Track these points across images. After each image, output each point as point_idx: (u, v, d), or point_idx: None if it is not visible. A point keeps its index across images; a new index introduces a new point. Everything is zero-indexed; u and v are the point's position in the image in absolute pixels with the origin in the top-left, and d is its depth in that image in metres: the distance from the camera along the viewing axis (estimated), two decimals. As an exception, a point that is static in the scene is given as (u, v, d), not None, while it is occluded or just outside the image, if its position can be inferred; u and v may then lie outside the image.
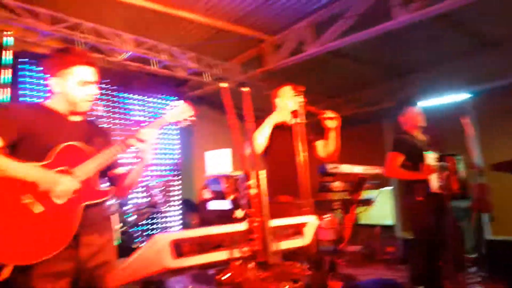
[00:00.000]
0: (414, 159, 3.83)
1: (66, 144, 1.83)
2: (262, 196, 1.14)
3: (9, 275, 1.60)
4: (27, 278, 1.66)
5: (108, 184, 2.09)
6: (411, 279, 3.93)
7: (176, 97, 7.04)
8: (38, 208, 1.67)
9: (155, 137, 1.98)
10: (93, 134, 1.99)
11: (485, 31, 5.99)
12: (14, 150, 1.78)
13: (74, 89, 1.90)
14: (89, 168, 1.82)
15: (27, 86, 5.05)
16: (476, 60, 6.72)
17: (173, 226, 6.40)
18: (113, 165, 2.06)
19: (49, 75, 1.93)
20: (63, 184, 1.71)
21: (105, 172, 2.05)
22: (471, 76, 6.97)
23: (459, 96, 7.31)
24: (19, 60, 5.02)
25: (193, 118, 2.11)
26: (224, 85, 1.32)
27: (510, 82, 6.53)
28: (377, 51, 6.41)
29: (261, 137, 2.97)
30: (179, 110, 2.07)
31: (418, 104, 4.03)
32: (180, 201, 6.67)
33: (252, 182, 1.15)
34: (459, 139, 4.29)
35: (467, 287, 4.50)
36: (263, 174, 1.16)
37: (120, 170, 2.13)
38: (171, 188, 6.56)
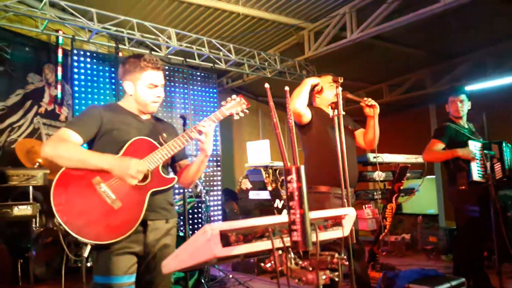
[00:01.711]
0: (457, 147, 3.76)
1: (136, 138, 2.03)
2: (302, 190, 1.22)
3: (89, 253, 1.87)
4: (102, 256, 1.90)
5: (172, 174, 2.24)
6: (454, 270, 3.89)
7: (218, 89, 7.18)
8: (111, 196, 1.89)
9: (214, 129, 2.12)
10: (161, 130, 2.18)
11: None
12: (93, 146, 2.04)
13: (144, 91, 2.08)
14: (156, 158, 2.00)
15: (82, 83, 5.31)
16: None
17: (214, 216, 6.60)
18: (177, 156, 2.22)
19: (122, 79, 2.15)
20: (134, 166, 1.89)
21: (170, 163, 2.23)
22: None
23: (507, 80, 6.98)
24: (73, 57, 5.29)
25: (247, 111, 2.23)
26: (267, 85, 1.40)
27: None
28: (422, 34, 6.22)
29: (300, 101, 2.93)
30: (234, 103, 2.20)
31: (463, 92, 3.91)
32: (221, 191, 6.84)
33: (292, 176, 1.23)
34: (508, 125, 4.16)
35: (513, 278, 4.39)
36: (302, 169, 1.23)
37: (184, 161, 2.30)
38: (213, 178, 6.74)
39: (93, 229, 1.82)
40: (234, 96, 2.22)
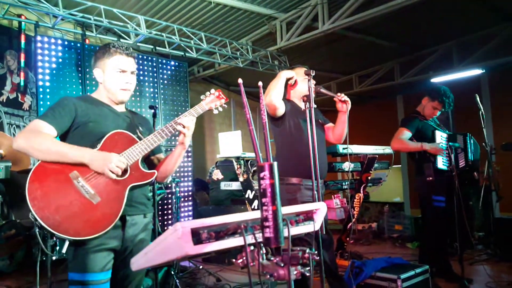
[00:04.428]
0: (423, 138, 3.88)
1: (114, 131, 1.98)
2: (275, 186, 1.23)
3: (66, 249, 1.82)
4: (80, 253, 1.85)
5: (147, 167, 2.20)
6: (420, 257, 4.04)
7: (189, 78, 7.08)
8: (89, 190, 1.83)
9: (194, 123, 2.10)
10: (137, 123, 2.14)
11: (503, 5, 5.87)
12: (66, 139, 1.96)
13: (112, 77, 2.03)
14: (135, 152, 1.96)
15: (47, 70, 5.10)
16: (492, 35, 6.61)
17: (185, 206, 6.55)
18: (155, 150, 2.17)
19: (93, 67, 2.09)
20: (115, 161, 1.84)
21: (146, 157, 2.17)
22: (486, 51, 6.87)
23: (472, 72, 7.21)
24: (36, 44, 5.07)
25: (225, 106, 2.26)
26: (240, 80, 1.38)
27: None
28: (392, 26, 6.32)
29: (276, 94, 2.92)
30: (213, 98, 2.21)
31: (448, 104, 3.98)
32: (192, 181, 6.79)
33: (265, 173, 1.23)
34: (471, 117, 4.31)
35: (474, 264, 4.60)
36: (276, 166, 1.23)
37: (160, 155, 2.28)
38: (183, 169, 6.68)
39: (72, 224, 1.76)
40: (212, 90, 2.23)
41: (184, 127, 2.04)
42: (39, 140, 1.80)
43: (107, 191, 1.86)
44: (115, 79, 2.04)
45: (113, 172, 1.84)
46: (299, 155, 2.95)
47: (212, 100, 2.20)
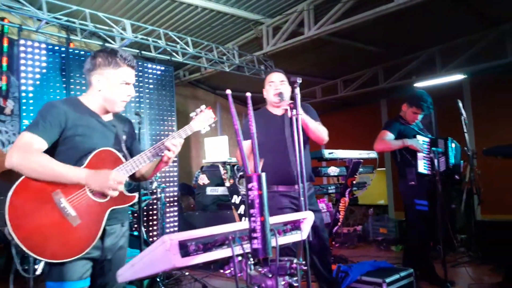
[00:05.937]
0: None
1: (101, 149, 1.93)
2: (263, 197, 1.24)
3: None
4: (58, 265, 1.81)
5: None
6: (404, 261, 4.10)
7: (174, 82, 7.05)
8: (70, 212, 1.80)
9: (181, 145, 2.08)
10: (121, 132, 2.10)
11: (485, 11, 5.99)
12: (54, 152, 1.89)
13: (116, 89, 1.99)
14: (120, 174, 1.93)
15: (30, 75, 5.01)
16: (475, 41, 6.74)
17: (170, 211, 6.49)
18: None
19: (91, 73, 2.00)
20: (114, 178, 1.82)
21: None
22: (468, 57, 6.99)
23: (454, 77, 7.33)
24: (19, 48, 4.99)
25: (213, 125, 2.24)
26: (228, 91, 1.40)
27: (506, 62, 6.53)
28: (377, 32, 6.40)
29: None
30: (203, 117, 2.19)
31: (428, 109, 4.04)
32: (177, 187, 6.73)
33: (254, 184, 1.25)
34: (454, 122, 4.38)
35: (457, 267, 4.68)
36: (264, 176, 1.25)
37: (141, 169, 2.22)
38: (169, 174, 6.62)
39: (49, 247, 1.74)
40: (203, 107, 2.21)
41: (170, 150, 2.04)
42: (33, 160, 1.77)
43: (88, 213, 1.85)
44: (120, 91, 2.00)
45: (114, 189, 1.84)
46: (269, 162, 2.91)
47: (201, 120, 2.18)
